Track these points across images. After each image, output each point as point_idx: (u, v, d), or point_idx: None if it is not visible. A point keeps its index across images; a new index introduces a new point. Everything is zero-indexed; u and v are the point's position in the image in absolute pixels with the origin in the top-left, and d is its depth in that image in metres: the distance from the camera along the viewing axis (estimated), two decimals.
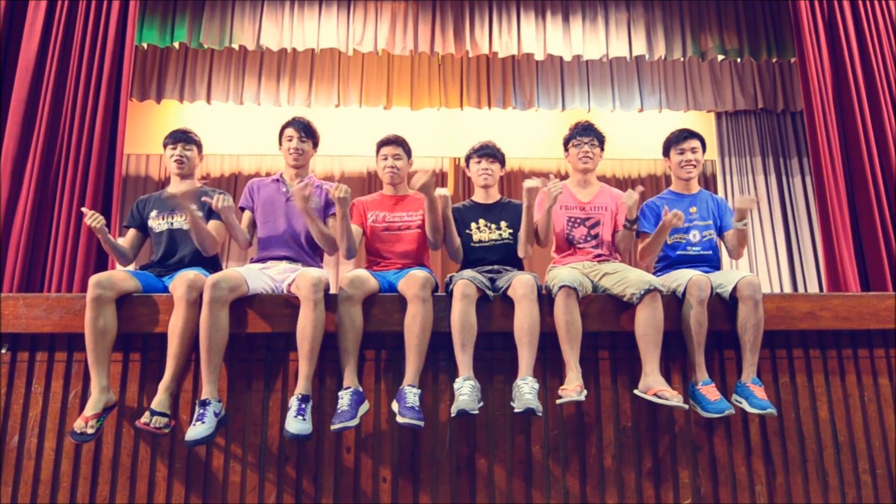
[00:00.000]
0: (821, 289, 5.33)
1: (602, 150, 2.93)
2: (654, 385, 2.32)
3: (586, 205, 2.87)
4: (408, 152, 2.94)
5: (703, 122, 5.92)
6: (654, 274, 2.81)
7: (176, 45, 4.96)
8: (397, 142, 2.91)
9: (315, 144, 2.92)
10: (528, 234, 2.74)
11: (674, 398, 2.25)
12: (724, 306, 2.53)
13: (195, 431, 2.18)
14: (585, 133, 2.89)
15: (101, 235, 2.63)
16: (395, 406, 2.31)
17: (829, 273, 3.99)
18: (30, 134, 3.84)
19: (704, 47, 5.12)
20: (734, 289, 2.45)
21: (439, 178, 6.15)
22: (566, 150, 2.97)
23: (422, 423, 2.23)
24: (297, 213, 2.76)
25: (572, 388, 2.29)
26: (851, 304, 2.58)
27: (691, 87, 5.81)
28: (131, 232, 2.86)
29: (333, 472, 2.44)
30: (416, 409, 2.25)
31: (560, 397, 2.30)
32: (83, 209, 2.61)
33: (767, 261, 5.64)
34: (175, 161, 2.82)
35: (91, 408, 2.24)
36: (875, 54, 4.24)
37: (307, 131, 2.85)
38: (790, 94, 5.81)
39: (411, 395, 2.28)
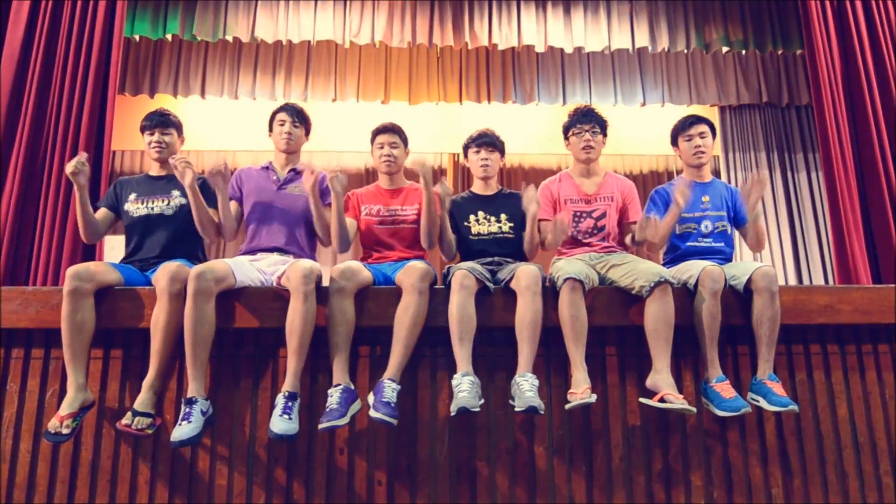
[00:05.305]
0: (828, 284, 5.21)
1: (604, 136, 2.79)
2: (662, 386, 2.20)
3: (591, 196, 2.74)
4: (404, 141, 2.83)
5: (706, 116, 5.79)
6: (663, 266, 2.68)
7: (168, 37, 4.86)
8: (394, 129, 2.80)
9: (307, 132, 2.81)
10: (531, 247, 2.68)
11: (678, 402, 2.12)
12: (736, 299, 2.41)
13: (181, 431, 2.06)
14: (586, 119, 2.75)
15: (78, 188, 2.44)
16: (370, 399, 2.19)
17: (840, 267, 3.88)
18: (14, 125, 3.73)
19: (708, 39, 5.03)
20: (748, 280, 2.33)
21: (438, 175, 6.02)
22: (566, 138, 2.83)
23: (395, 421, 2.11)
24: (289, 202, 2.65)
25: (581, 392, 2.16)
26: (871, 296, 2.46)
27: (694, 81, 5.71)
28: (102, 211, 2.68)
29: (325, 474, 2.31)
30: (393, 405, 2.13)
31: (569, 402, 2.18)
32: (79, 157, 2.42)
33: (773, 257, 5.53)
34: (154, 148, 2.68)
35: (66, 407, 2.12)
36: (886, 45, 4.14)
37: (300, 117, 2.74)
38: (795, 87, 5.70)
39: (389, 389, 2.16)
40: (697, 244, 2.66)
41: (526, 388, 2.14)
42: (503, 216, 2.75)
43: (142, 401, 2.16)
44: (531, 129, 5.88)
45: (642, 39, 4.95)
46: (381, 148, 2.78)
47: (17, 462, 2.28)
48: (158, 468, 2.29)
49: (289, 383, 2.17)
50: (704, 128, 2.77)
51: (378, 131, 2.81)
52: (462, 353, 2.21)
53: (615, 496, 2.32)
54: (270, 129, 2.77)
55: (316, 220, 2.60)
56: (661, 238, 2.57)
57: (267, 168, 2.75)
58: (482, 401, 2.16)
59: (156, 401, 2.20)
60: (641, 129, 5.84)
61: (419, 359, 2.36)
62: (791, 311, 2.41)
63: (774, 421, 2.41)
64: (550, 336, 2.32)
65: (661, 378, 2.22)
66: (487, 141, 2.82)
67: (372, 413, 2.11)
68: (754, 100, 5.73)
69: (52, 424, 2.09)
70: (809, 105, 5.37)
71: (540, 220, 2.75)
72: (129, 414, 2.14)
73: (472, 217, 2.77)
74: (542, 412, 2.08)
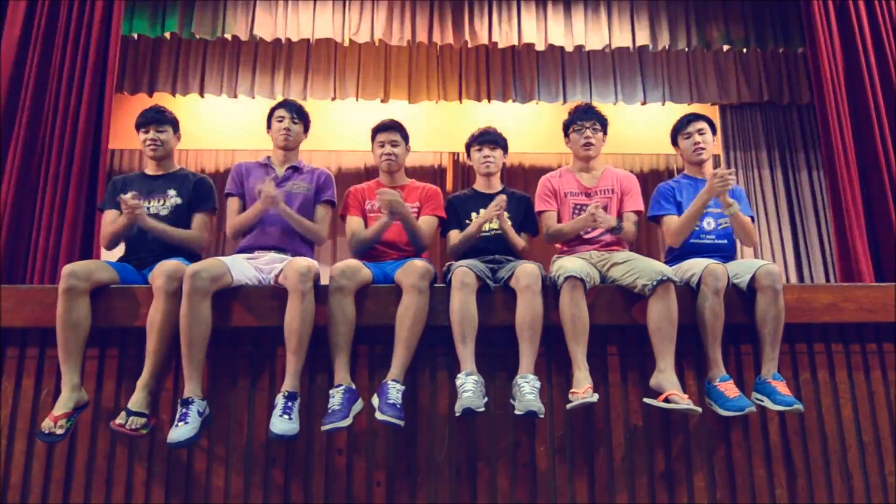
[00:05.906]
0: None
1: (605, 133, 2.77)
2: (666, 385, 2.17)
3: (591, 190, 2.72)
4: (405, 138, 2.80)
5: (707, 115, 5.76)
6: (665, 264, 2.65)
7: (167, 35, 4.83)
8: (394, 127, 2.77)
9: (306, 129, 2.78)
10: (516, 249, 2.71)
11: (683, 402, 2.09)
12: (739, 298, 2.37)
13: (178, 433, 2.03)
14: (587, 116, 2.73)
15: (137, 221, 2.47)
16: (375, 401, 2.15)
17: (843, 266, 3.85)
18: (11, 124, 3.69)
19: (709, 37, 5.00)
20: (752, 279, 2.30)
21: (439, 174, 6.00)
22: (566, 135, 2.81)
23: (402, 423, 2.08)
24: (287, 200, 2.62)
25: (582, 391, 2.13)
26: (876, 294, 2.43)
27: (695, 80, 5.67)
28: (110, 214, 2.62)
29: (324, 475, 2.28)
30: (398, 406, 2.10)
31: (570, 401, 2.14)
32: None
33: (774, 255, 5.50)
34: (149, 146, 2.64)
35: (60, 407, 2.09)
36: (888, 44, 4.11)
37: (299, 113, 2.72)
38: (796, 86, 5.67)
39: (394, 391, 2.13)
40: (701, 241, 2.63)
41: (527, 391, 2.11)
42: (505, 214, 2.72)
43: (136, 400, 2.13)
44: (531, 128, 5.85)
45: (643, 37, 4.92)
46: (382, 146, 2.75)
47: (11, 463, 2.26)
48: (155, 469, 2.27)
49: (288, 383, 2.14)
50: (703, 125, 2.76)
51: (378, 129, 2.79)
52: (465, 352, 2.18)
53: (617, 496, 2.29)
54: (269, 126, 2.74)
55: (298, 229, 2.58)
56: (686, 229, 2.57)
57: (265, 165, 2.72)
58: (486, 399, 2.13)
59: (150, 401, 2.17)
60: (642, 127, 5.81)
61: (418, 359, 2.33)
62: (794, 310, 2.38)
63: (778, 421, 2.39)
64: (551, 335, 2.29)
65: (665, 378, 2.19)
66: (490, 139, 2.81)
67: (378, 415, 2.08)
68: (755, 98, 5.69)
69: (46, 424, 2.06)
70: (811, 103, 5.33)
71: (540, 212, 2.74)
72: (122, 413, 2.11)
73: (473, 215, 2.74)
74: (541, 416, 2.05)
